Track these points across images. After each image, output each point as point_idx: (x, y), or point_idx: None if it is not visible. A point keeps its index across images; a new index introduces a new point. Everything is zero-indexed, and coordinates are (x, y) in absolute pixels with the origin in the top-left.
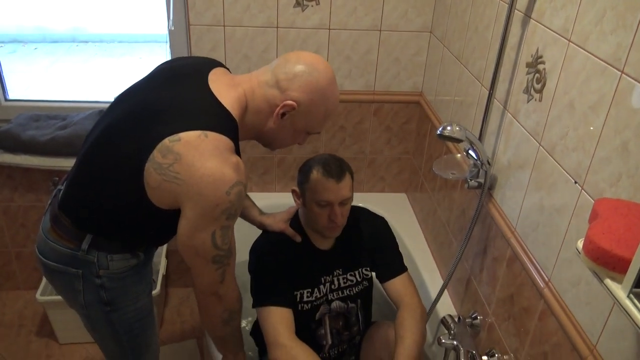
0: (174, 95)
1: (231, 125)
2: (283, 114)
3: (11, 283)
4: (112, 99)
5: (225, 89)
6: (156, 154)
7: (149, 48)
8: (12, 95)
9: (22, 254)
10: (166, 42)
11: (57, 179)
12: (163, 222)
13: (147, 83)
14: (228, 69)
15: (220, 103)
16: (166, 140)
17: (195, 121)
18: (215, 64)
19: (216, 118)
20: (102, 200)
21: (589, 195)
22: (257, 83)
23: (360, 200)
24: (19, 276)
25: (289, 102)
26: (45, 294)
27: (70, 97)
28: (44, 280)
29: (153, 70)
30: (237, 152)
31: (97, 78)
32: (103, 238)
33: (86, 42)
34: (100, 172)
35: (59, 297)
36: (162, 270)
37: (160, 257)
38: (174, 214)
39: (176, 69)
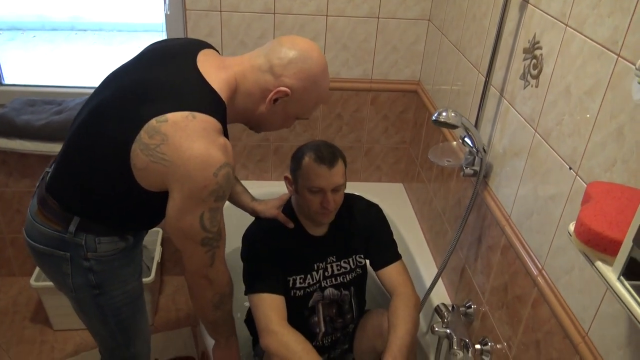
0: (162, 75)
1: (219, 107)
2: (275, 100)
3: (6, 269)
4: None
5: (214, 70)
6: (143, 135)
7: (148, 37)
8: (10, 81)
9: (17, 240)
10: (162, 30)
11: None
12: (151, 205)
13: (134, 64)
14: (217, 50)
15: (208, 84)
16: (153, 121)
17: (182, 102)
18: (205, 45)
19: (204, 99)
20: (89, 182)
21: (584, 181)
22: (249, 66)
23: (356, 189)
24: (13, 262)
25: (283, 88)
26: (39, 280)
27: (66, 83)
28: None
29: (141, 51)
30: (225, 134)
31: (95, 66)
32: (91, 220)
33: (85, 30)
34: (87, 154)
35: (52, 283)
36: (157, 257)
37: (156, 245)
38: (162, 197)
39: (164, 50)
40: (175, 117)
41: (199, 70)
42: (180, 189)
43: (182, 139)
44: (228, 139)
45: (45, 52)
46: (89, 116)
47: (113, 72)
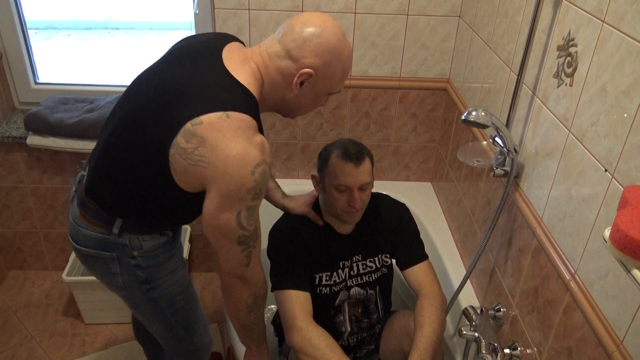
0: (191, 76)
1: (251, 103)
2: (301, 83)
3: (40, 263)
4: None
5: (239, 65)
6: (179, 139)
7: (178, 35)
8: (44, 79)
9: (50, 234)
10: (191, 28)
11: (84, 161)
12: (191, 204)
13: (163, 65)
14: (242, 42)
15: (237, 81)
16: (188, 125)
17: (215, 102)
18: (227, 39)
19: (236, 97)
20: (130, 186)
21: (620, 184)
22: (267, 56)
23: (384, 188)
24: (47, 257)
25: (305, 70)
26: (71, 274)
27: (98, 81)
28: (71, 260)
29: (169, 50)
30: (260, 129)
31: (127, 63)
32: (133, 221)
33: (117, 29)
34: (126, 159)
35: (84, 278)
36: (185, 254)
37: (184, 242)
38: (202, 196)
39: (190, 49)
40: (209, 119)
41: (226, 68)
42: (218, 188)
43: (219, 139)
44: (263, 134)
45: (79, 50)
46: (124, 122)
47: (143, 74)
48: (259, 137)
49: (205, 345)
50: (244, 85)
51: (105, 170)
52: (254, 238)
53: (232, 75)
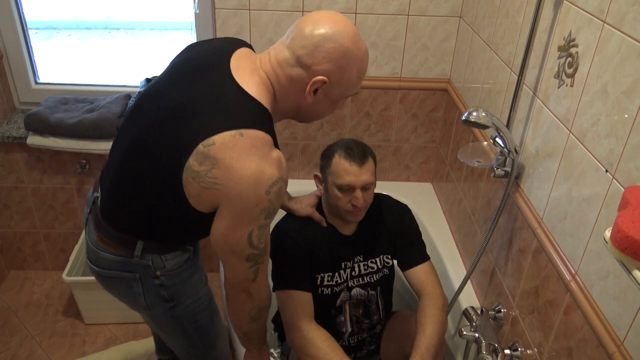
0: (200, 92)
1: (264, 117)
2: (315, 90)
3: (40, 263)
4: (137, 83)
5: (249, 76)
6: (192, 162)
7: (178, 35)
8: (45, 79)
9: (51, 235)
10: (191, 28)
11: (84, 161)
12: (209, 221)
13: (170, 80)
14: (250, 45)
15: (248, 95)
16: (200, 146)
17: (227, 120)
18: (235, 45)
19: (248, 112)
20: (146, 209)
21: (620, 185)
22: (276, 64)
23: (385, 189)
24: (47, 257)
25: (318, 77)
26: (71, 274)
27: (98, 81)
28: (71, 260)
29: (174, 62)
30: (275, 142)
31: (128, 64)
32: (153, 242)
33: (118, 29)
34: (140, 182)
35: (84, 278)
36: None
37: None
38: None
39: (197, 60)
40: (222, 139)
41: (235, 81)
42: (232, 208)
43: (233, 159)
44: (278, 147)
45: (79, 50)
46: (135, 143)
47: (151, 90)
48: (275, 153)
49: (224, 359)
50: (255, 99)
51: (120, 193)
52: (263, 255)
53: (242, 88)
